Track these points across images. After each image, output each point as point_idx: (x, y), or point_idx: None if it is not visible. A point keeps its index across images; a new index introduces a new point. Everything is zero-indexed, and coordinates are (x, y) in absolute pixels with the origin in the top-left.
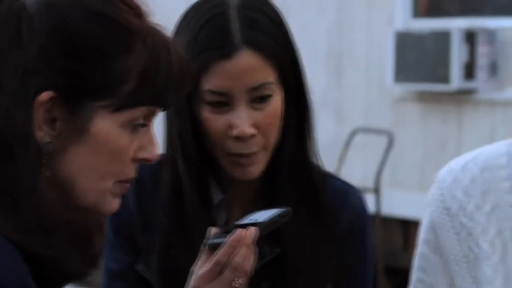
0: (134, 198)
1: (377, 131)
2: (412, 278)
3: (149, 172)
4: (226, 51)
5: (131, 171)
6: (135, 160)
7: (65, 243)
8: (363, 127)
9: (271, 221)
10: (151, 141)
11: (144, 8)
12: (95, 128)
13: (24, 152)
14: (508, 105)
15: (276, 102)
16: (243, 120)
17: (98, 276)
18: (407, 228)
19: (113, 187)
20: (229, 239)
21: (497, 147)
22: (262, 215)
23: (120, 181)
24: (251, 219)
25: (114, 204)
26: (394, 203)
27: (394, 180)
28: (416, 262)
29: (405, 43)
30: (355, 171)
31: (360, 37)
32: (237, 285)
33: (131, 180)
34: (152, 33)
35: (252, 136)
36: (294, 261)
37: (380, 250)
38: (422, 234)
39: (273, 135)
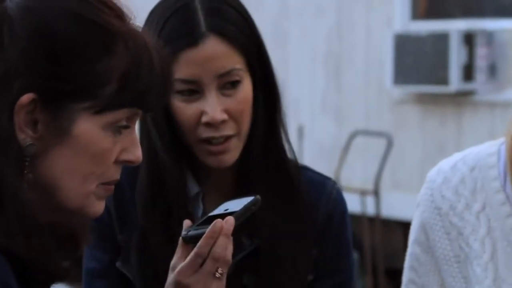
0: (112, 198)
1: (377, 133)
2: (403, 279)
3: (126, 168)
4: (192, 39)
5: (114, 173)
6: (118, 162)
7: (49, 245)
8: (363, 130)
9: (245, 209)
10: (134, 143)
11: (126, 10)
12: (77, 130)
13: (6, 155)
14: (507, 106)
15: (246, 88)
16: (213, 106)
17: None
18: (407, 229)
19: (96, 189)
20: (207, 230)
21: (487, 147)
22: (234, 205)
23: (104, 183)
24: (224, 209)
25: (98, 206)
26: (394, 205)
27: (394, 182)
28: (407, 262)
29: (404, 45)
30: (355, 174)
31: (359, 39)
32: (218, 276)
33: (115, 182)
34: (134, 35)
35: (224, 121)
36: (273, 252)
37: (380, 252)
38: (413, 234)
39: (245, 122)
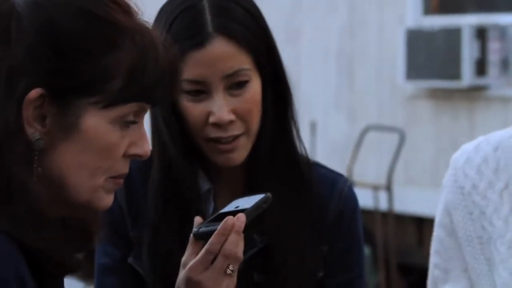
0: (123, 192)
1: (389, 129)
2: (430, 262)
3: (137, 165)
4: (199, 39)
5: (123, 167)
6: (126, 156)
7: (60, 238)
8: (375, 125)
9: (256, 207)
10: (142, 137)
11: (133, 6)
12: (85, 125)
13: (15, 149)
14: None
15: (254, 88)
16: (220, 107)
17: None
18: (420, 225)
19: (105, 183)
20: (219, 227)
21: (510, 129)
22: (245, 202)
23: (112, 177)
24: (235, 207)
25: (107, 200)
26: (407, 200)
27: (406, 177)
28: (432, 245)
29: (416, 41)
30: (367, 169)
31: (371, 35)
32: (229, 272)
33: (124, 176)
34: (141, 31)
35: (231, 122)
36: (283, 249)
37: (393, 248)
38: (437, 217)
39: (254, 121)
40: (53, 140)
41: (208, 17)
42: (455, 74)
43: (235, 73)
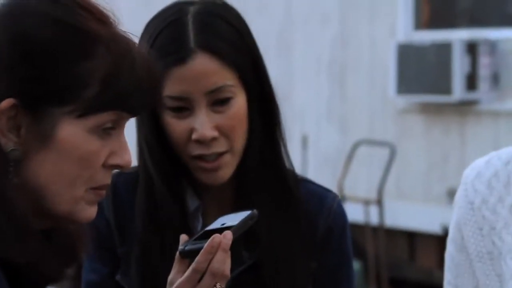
0: (111, 208)
1: (380, 143)
2: (444, 278)
3: (124, 180)
4: (180, 56)
5: (104, 178)
6: (106, 166)
7: (42, 249)
8: (367, 139)
9: (242, 224)
10: (122, 147)
11: (108, 14)
12: (61, 134)
13: None
14: (511, 115)
15: (238, 104)
16: (203, 124)
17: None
18: (412, 239)
19: (85, 194)
20: (206, 245)
21: None
22: (231, 219)
23: (94, 188)
24: (221, 224)
25: (89, 212)
26: (398, 214)
27: (397, 191)
28: (445, 262)
29: (407, 55)
30: (358, 183)
31: (363, 48)
32: None
33: (106, 187)
34: (115, 39)
35: (214, 139)
36: (272, 265)
37: (384, 262)
38: (450, 233)
39: (238, 138)
40: (29, 150)
41: (191, 32)
42: (446, 89)
43: (218, 89)
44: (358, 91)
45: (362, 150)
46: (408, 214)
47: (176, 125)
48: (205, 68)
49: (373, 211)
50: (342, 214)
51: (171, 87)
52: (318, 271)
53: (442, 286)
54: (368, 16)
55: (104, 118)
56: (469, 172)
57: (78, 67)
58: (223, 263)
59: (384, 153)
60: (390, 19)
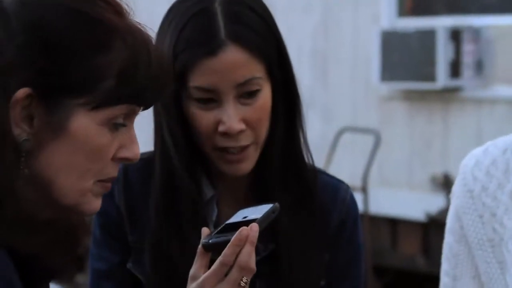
0: (121, 195)
1: (364, 130)
2: (441, 268)
3: (135, 168)
4: (211, 48)
5: (112, 171)
6: (115, 159)
7: (49, 242)
8: (350, 127)
9: (265, 217)
10: (132, 140)
11: (125, 6)
12: (74, 126)
13: (1, 149)
14: (494, 102)
15: (265, 96)
16: (230, 116)
17: (82, 277)
18: (395, 226)
19: (93, 186)
20: (233, 238)
21: None
22: (252, 212)
23: (101, 181)
24: (243, 217)
25: (95, 203)
26: (382, 201)
27: (381, 178)
28: (443, 252)
29: (391, 42)
30: (342, 171)
31: (346, 36)
32: (243, 285)
33: (113, 180)
34: (132, 31)
35: (241, 131)
36: (289, 257)
37: (368, 249)
38: (448, 223)
39: (263, 130)
40: (40, 141)
41: (221, 23)
42: (430, 76)
43: (247, 82)
44: (341, 79)
45: (346, 138)
46: (391, 201)
47: (202, 117)
48: (235, 60)
49: (358, 198)
50: (354, 206)
51: (200, 78)
52: (330, 263)
53: (424, 273)
54: (352, 3)
55: (117, 111)
56: (467, 162)
57: (95, 59)
58: (250, 256)
59: (367, 140)
60: (374, 6)
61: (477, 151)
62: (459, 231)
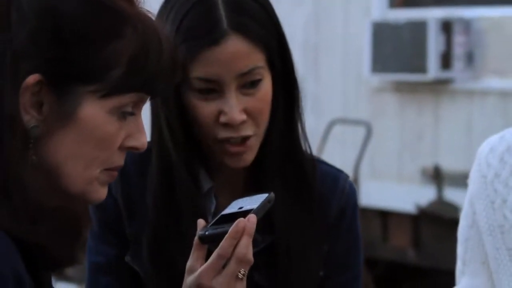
0: (118, 187)
1: (355, 122)
2: (457, 253)
3: (132, 159)
4: (213, 38)
5: (118, 159)
6: (122, 148)
7: (54, 231)
8: (341, 118)
9: (261, 207)
10: (139, 130)
11: None
12: (83, 114)
13: (11, 136)
14: (485, 94)
15: (266, 86)
16: (232, 106)
17: (79, 271)
18: (385, 219)
19: (100, 175)
20: (230, 229)
21: None
22: (247, 202)
23: (107, 169)
24: (238, 208)
25: (101, 192)
26: (373, 194)
27: (372, 171)
28: (458, 237)
29: (382, 34)
30: (333, 162)
31: (336, 28)
32: (241, 277)
33: (119, 168)
34: (143, 20)
35: (242, 122)
36: (287, 248)
37: None
38: (464, 209)
39: (264, 120)
40: (49, 128)
41: (222, 13)
42: (421, 67)
43: (249, 72)
44: (332, 71)
45: (337, 130)
46: (381, 193)
47: (203, 107)
48: (237, 50)
49: None
50: (353, 194)
51: (201, 69)
52: (329, 252)
53: (415, 265)
54: None
55: (126, 99)
56: (483, 148)
57: (107, 47)
58: (247, 248)
59: (359, 132)
60: None
61: (494, 137)
62: (471, 216)
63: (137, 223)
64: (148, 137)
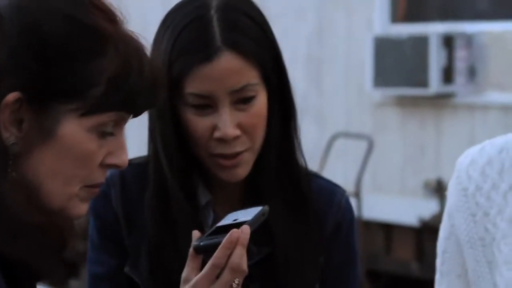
0: (119, 199)
1: (357, 136)
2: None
3: (132, 171)
4: (206, 54)
5: (99, 176)
6: (103, 165)
7: (35, 245)
8: (343, 132)
9: (256, 219)
10: (120, 147)
11: (118, 14)
12: (62, 131)
13: None
14: (487, 108)
15: (260, 102)
16: (226, 122)
17: (83, 283)
18: (388, 231)
19: (80, 191)
20: (224, 240)
21: None
22: (242, 215)
23: (88, 186)
24: (233, 220)
25: (81, 208)
26: (375, 207)
27: (374, 184)
28: (437, 248)
29: (384, 48)
30: (336, 176)
31: (339, 42)
32: (235, 287)
33: (100, 185)
34: (125, 39)
35: (236, 137)
36: (284, 261)
37: (361, 254)
38: (442, 221)
39: (259, 136)
40: (29, 145)
41: (216, 30)
42: (423, 82)
43: (243, 88)
44: (335, 84)
45: (339, 143)
46: (384, 207)
47: (197, 123)
48: (231, 67)
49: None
50: (350, 209)
51: (195, 85)
52: (325, 266)
53: (418, 278)
54: (345, 9)
55: (106, 118)
56: (462, 160)
57: (88, 66)
58: (241, 258)
59: (361, 146)
60: (367, 12)
61: (474, 149)
62: (449, 228)
63: (136, 234)
64: (143, 152)
